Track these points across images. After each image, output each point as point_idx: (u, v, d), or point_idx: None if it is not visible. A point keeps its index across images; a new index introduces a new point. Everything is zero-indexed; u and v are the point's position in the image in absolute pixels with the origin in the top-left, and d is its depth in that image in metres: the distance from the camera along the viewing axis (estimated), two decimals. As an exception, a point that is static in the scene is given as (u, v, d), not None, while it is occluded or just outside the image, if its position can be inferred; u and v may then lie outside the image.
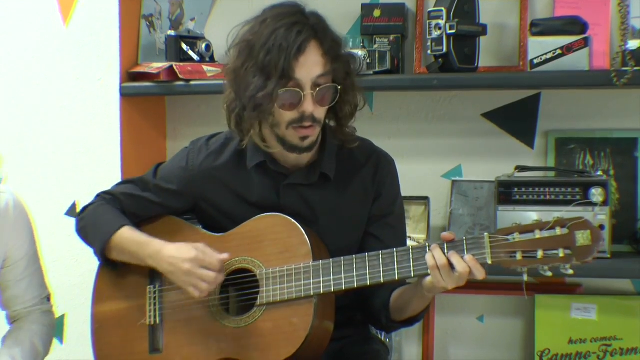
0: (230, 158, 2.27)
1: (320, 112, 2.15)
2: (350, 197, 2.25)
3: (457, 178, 3.11)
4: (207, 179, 2.28)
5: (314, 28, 2.11)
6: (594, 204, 2.76)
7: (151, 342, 2.28)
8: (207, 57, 3.12)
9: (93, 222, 2.34)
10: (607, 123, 3.00)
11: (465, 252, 1.99)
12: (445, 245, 2.02)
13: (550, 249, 1.94)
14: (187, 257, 2.16)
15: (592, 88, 2.94)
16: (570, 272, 1.95)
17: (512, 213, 2.81)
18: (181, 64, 3.05)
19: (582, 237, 1.93)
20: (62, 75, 3.15)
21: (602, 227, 2.73)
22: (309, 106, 2.11)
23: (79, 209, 3.12)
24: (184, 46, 3.09)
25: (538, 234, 1.96)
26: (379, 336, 2.50)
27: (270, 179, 2.24)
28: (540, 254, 1.95)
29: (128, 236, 2.27)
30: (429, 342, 3.10)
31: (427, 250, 2.03)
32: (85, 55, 3.12)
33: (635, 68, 2.68)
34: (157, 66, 3.06)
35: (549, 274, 1.97)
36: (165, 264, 2.20)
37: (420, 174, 3.09)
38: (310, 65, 2.10)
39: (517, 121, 3.07)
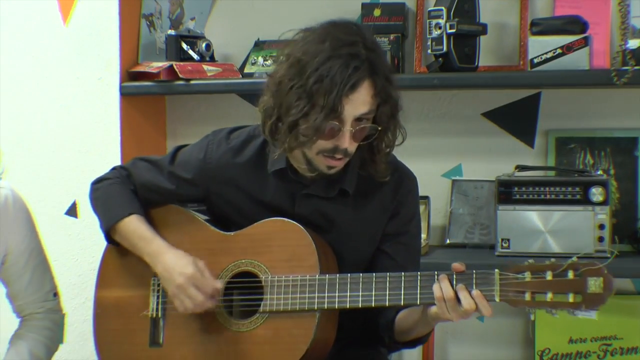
0: (250, 158, 2.24)
1: (354, 147, 2.09)
2: (367, 214, 2.22)
3: (457, 177, 3.11)
4: (224, 175, 2.25)
5: (372, 65, 2.03)
6: (594, 204, 2.76)
7: (152, 335, 2.27)
8: (207, 56, 3.12)
9: (105, 199, 2.34)
10: (607, 122, 2.99)
11: (474, 287, 1.96)
12: (454, 276, 1.98)
13: (560, 292, 1.91)
14: (184, 272, 2.16)
15: (592, 87, 2.94)
16: (580, 316, 1.93)
17: (513, 212, 2.81)
18: (181, 63, 3.04)
19: (594, 285, 1.89)
20: (62, 74, 3.14)
21: (602, 226, 2.74)
22: (345, 142, 2.05)
23: (79, 208, 3.13)
24: (184, 45, 3.08)
25: (550, 276, 1.91)
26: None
27: (288, 186, 2.20)
28: (549, 296, 1.91)
29: (134, 226, 2.26)
30: (429, 341, 3.09)
31: (436, 279, 2.00)
32: (85, 55, 3.12)
33: (636, 67, 2.68)
34: (157, 65, 3.06)
35: (557, 315, 1.94)
36: (161, 269, 2.20)
37: (420, 173, 3.03)
38: (358, 104, 2.03)
39: (517, 120, 3.07)
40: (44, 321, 2.39)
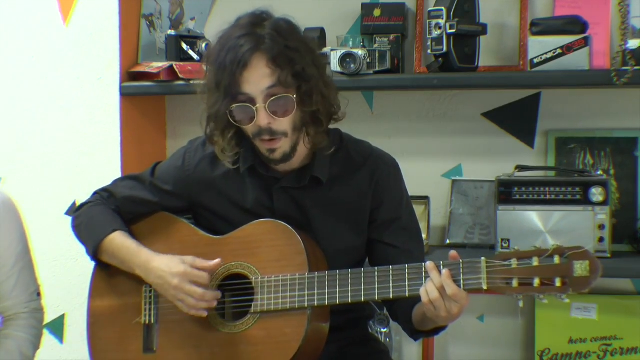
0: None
1: (281, 124, 2.10)
2: (344, 200, 2.23)
3: (457, 177, 3.12)
4: (203, 183, 2.28)
5: (262, 38, 2.06)
6: (594, 204, 2.76)
7: (145, 341, 2.27)
8: (207, 56, 3.12)
9: (87, 223, 2.35)
10: (607, 122, 3.00)
11: (461, 276, 1.98)
12: (442, 264, 2.00)
13: (547, 277, 1.92)
14: (175, 272, 2.16)
15: (592, 87, 2.94)
16: (567, 301, 1.93)
17: (513, 212, 2.81)
18: (181, 63, 3.05)
19: (580, 268, 1.90)
20: (62, 74, 3.15)
21: (602, 226, 2.74)
22: (262, 120, 2.09)
23: (78, 208, 3.13)
24: (184, 46, 3.09)
25: (536, 262, 1.93)
26: (378, 336, 2.50)
27: (263, 183, 2.23)
28: (537, 282, 1.92)
29: (119, 242, 2.27)
30: (429, 341, 3.10)
31: (423, 271, 2.01)
32: (85, 55, 3.12)
33: (636, 67, 2.68)
34: (157, 66, 3.06)
35: (545, 301, 1.95)
36: (153, 277, 2.21)
37: (420, 173, 3.09)
38: (257, 78, 2.07)
39: (517, 121, 3.07)
40: (29, 320, 2.38)
